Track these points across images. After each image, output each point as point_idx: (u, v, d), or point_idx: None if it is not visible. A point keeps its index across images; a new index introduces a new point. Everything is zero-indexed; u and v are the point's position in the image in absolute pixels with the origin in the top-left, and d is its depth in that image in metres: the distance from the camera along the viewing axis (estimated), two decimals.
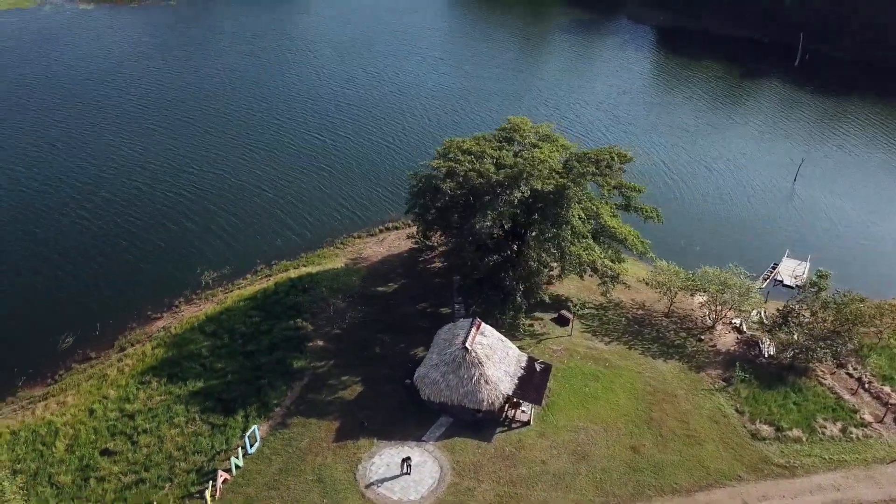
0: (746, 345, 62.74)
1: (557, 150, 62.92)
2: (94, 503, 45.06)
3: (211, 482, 45.53)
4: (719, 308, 63.56)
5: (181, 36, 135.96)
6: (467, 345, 50.83)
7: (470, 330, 52.05)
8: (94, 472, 47.11)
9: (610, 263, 60.31)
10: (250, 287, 68.16)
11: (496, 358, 51.96)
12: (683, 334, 63.36)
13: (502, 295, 57.71)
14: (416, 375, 52.80)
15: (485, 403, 50.24)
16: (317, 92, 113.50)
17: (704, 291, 62.52)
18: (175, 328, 61.87)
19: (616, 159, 58.87)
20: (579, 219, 56.56)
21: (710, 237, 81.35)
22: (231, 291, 68.14)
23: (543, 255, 55.60)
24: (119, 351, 60.82)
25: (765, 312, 66.46)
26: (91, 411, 52.37)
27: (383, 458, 48.55)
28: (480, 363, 50.72)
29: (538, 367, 53.53)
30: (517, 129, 64.72)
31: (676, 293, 64.38)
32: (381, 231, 78.74)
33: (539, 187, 54.49)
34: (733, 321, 65.17)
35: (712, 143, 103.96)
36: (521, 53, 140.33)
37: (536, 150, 59.57)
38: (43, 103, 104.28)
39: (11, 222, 77.06)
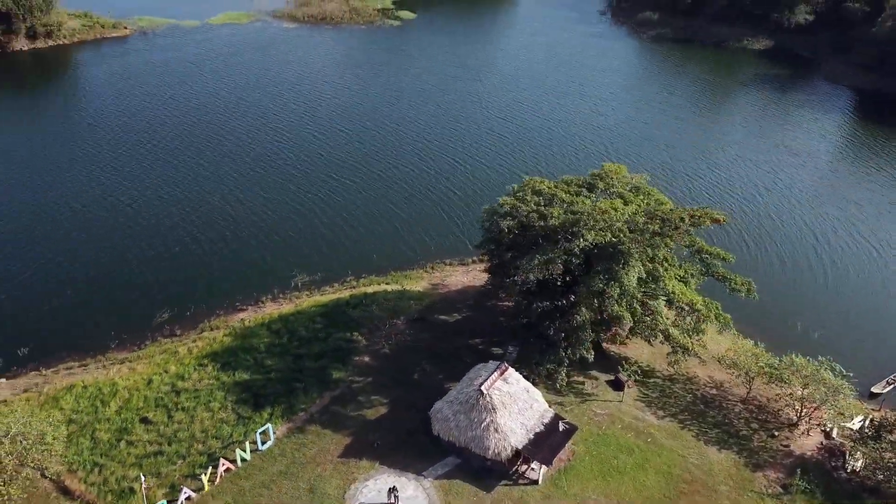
0: (829, 453, 54.53)
1: (642, 204, 59.33)
2: (117, 462, 49.69)
3: (211, 468, 48.36)
4: (807, 405, 55.86)
5: (371, 57, 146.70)
6: (483, 388, 49.40)
7: (492, 373, 50.53)
8: (127, 436, 52.00)
9: (676, 332, 55.46)
10: (330, 295, 71.38)
11: (515, 408, 49.90)
12: (755, 426, 56.45)
13: (545, 344, 55.30)
14: (432, 408, 52.20)
15: (490, 451, 48.44)
16: (471, 117, 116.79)
17: (785, 382, 55.28)
18: (249, 321, 66.47)
19: (686, 220, 54.01)
20: (639, 279, 52.70)
21: (838, 323, 71.84)
22: (312, 296, 71.76)
23: (586, 310, 52.41)
24: (199, 332, 66.33)
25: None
26: (149, 381, 57.78)
27: (377, 483, 48.53)
28: (493, 409, 49.01)
29: (561, 427, 50.60)
30: (604, 176, 61.93)
31: (753, 378, 57.55)
32: (472, 262, 78.72)
33: (592, 238, 51.69)
34: (825, 424, 56.88)
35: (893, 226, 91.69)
36: (690, 101, 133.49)
37: (609, 200, 56.56)
38: (236, 104, 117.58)
39: (178, 202, 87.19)
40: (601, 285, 51.14)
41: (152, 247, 78.96)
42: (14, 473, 46.19)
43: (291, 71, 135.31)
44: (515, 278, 55.22)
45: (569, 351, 53.83)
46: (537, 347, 55.62)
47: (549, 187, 59.67)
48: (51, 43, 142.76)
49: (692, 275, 57.77)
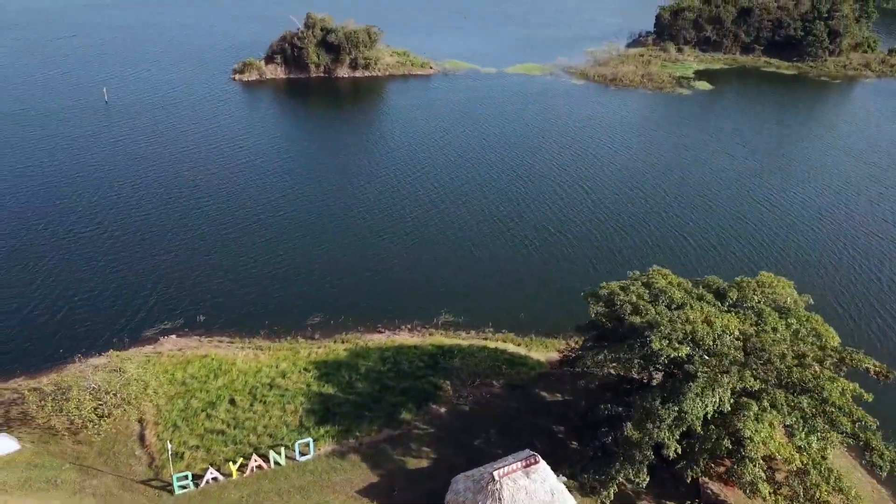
0: None
1: (782, 329, 49.34)
2: (189, 428, 56.44)
3: (242, 459, 52.34)
4: None
5: (650, 122, 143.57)
6: (496, 474, 45.72)
7: (515, 462, 46.52)
8: (211, 409, 58.70)
9: (764, 489, 44.96)
10: (456, 340, 71.73)
11: None
12: None
13: (600, 452, 48.90)
14: (453, 479, 49.71)
15: None
16: (726, 198, 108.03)
17: None
18: (371, 344, 70.01)
19: (826, 361, 43.03)
20: (705, 417, 43.85)
21: None
22: (446, 336, 72.79)
23: (633, 427, 44.99)
24: (330, 341, 71.68)
25: None
26: (259, 370, 64.38)
27: None
28: (500, 500, 45.07)
29: None
30: (745, 286, 52.76)
31: None
32: None
33: (658, 348, 44.44)
34: None
35: None
36: None
37: (710, 311, 48.04)
38: (508, 145, 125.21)
39: (412, 222, 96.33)
40: (657, 403, 43.72)
41: (352, 258, 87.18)
42: (112, 409, 55.47)
43: (570, 124, 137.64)
44: (580, 369, 49.88)
45: (622, 467, 46.94)
46: (591, 453, 49.47)
47: (666, 282, 52.78)
48: (367, 73, 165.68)
49: (814, 430, 45.88)
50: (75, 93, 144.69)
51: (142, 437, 55.67)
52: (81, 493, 50.31)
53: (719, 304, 52.16)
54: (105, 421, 55.07)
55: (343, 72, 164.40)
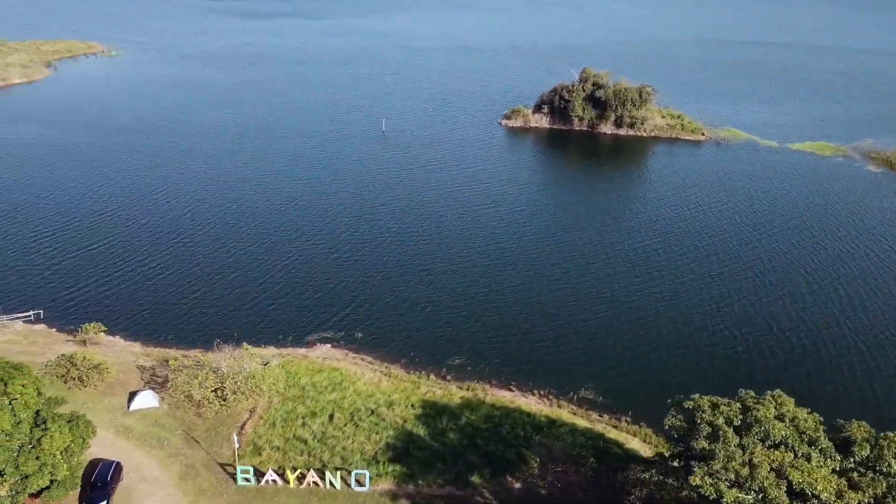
0: None
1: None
2: (279, 429, 60.86)
3: (304, 470, 54.94)
4: None
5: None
6: None
7: None
8: (308, 419, 62.54)
9: None
10: (578, 418, 66.75)
11: None
12: None
13: None
14: None
15: None
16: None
17: None
18: (489, 398, 68.37)
19: None
20: None
21: None
22: (571, 411, 68.22)
23: None
24: (454, 384, 71.52)
25: None
26: (371, 394, 66.88)
27: None
28: None
29: None
30: (886, 445, 41.01)
31: None
32: None
33: (698, 483, 36.23)
34: None
35: None
36: None
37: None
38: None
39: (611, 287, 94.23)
40: None
41: (536, 317, 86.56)
42: (228, 394, 62.40)
43: (855, 217, 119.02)
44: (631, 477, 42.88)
45: None
46: None
47: (773, 413, 43.18)
48: (631, 133, 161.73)
49: None
50: (359, 121, 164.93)
51: (243, 426, 61.60)
52: (175, 458, 57.44)
53: (838, 458, 41.13)
54: (220, 403, 62.05)
55: (607, 128, 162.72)
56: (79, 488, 52.66)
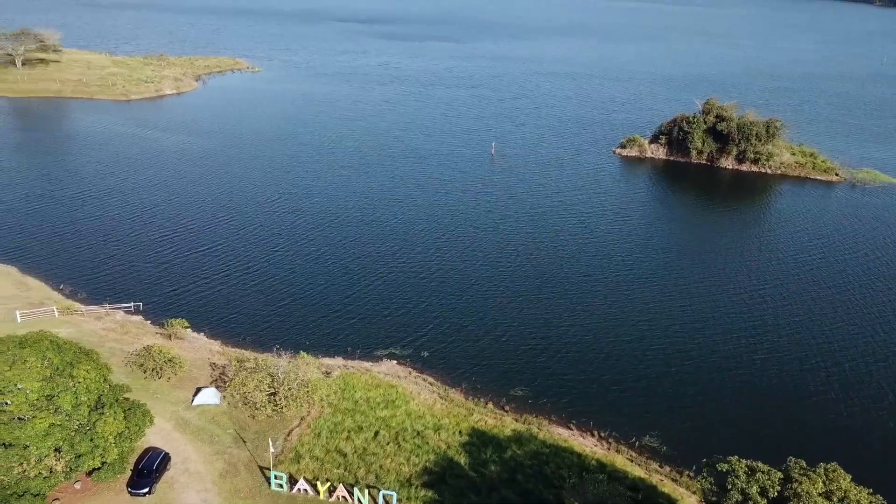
0: None
1: None
2: (322, 440, 61.83)
3: (335, 483, 55.37)
4: None
5: None
6: None
7: None
8: (353, 434, 63.23)
9: None
10: (633, 468, 63.04)
11: None
12: None
13: None
14: None
15: None
16: None
17: None
18: (542, 434, 66.14)
19: None
20: None
21: None
22: (627, 458, 64.69)
23: None
24: (509, 416, 69.78)
25: None
26: (422, 416, 66.65)
27: None
28: None
29: None
30: None
31: None
32: None
33: None
34: None
35: None
36: None
37: None
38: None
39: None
40: None
41: (613, 355, 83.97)
42: (279, 400, 64.31)
43: None
44: None
45: None
46: None
47: (820, 489, 38.49)
48: (755, 169, 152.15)
49: None
50: (471, 143, 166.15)
51: (290, 432, 63.19)
52: (220, 455, 59.83)
53: None
54: (272, 407, 64.06)
55: (728, 162, 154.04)
56: (128, 473, 55.99)
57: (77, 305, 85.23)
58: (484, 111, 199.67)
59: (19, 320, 78.36)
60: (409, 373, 76.92)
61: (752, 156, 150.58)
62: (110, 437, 53.57)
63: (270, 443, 58.39)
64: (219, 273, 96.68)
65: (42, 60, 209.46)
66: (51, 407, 51.55)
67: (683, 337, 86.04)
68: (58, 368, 52.95)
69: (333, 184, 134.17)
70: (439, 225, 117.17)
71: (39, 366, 52.03)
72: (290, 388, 64.66)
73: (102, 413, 53.61)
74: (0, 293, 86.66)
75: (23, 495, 50.60)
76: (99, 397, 54.88)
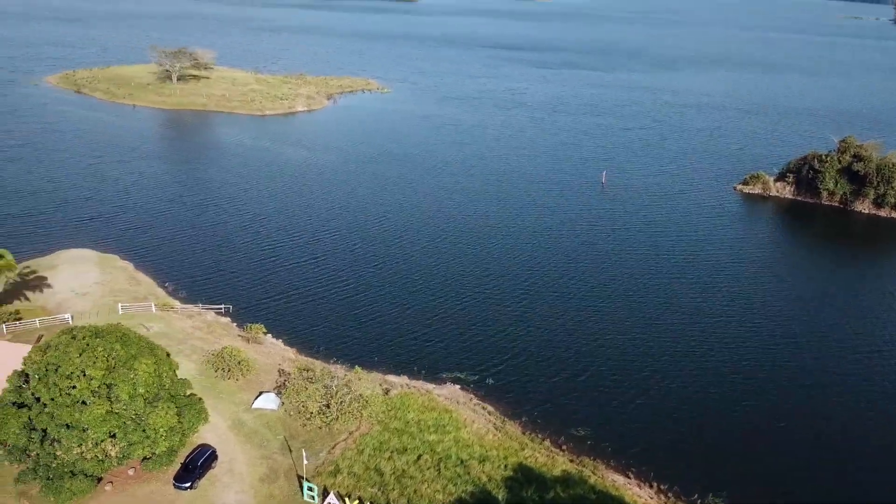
0: None
1: None
2: (362, 459, 62.08)
3: (359, 501, 55.33)
4: None
5: None
6: None
7: None
8: (396, 455, 62.97)
9: None
10: None
11: None
12: None
13: None
14: None
15: None
16: None
17: None
18: (593, 480, 62.95)
19: None
20: None
21: None
22: None
23: None
24: (564, 456, 66.99)
25: None
26: (470, 445, 65.38)
27: None
28: None
29: None
30: None
31: None
32: None
33: None
34: None
35: None
36: None
37: None
38: None
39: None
40: None
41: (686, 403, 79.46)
42: (329, 412, 65.43)
43: None
44: None
45: None
46: None
47: None
48: (894, 214, 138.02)
49: None
50: (584, 171, 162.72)
51: (335, 445, 64.01)
52: (265, 460, 61.67)
53: None
54: (322, 419, 65.27)
55: (863, 206, 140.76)
56: (178, 465, 58.91)
57: (174, 303, 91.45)
58: (603, 140, 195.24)
59: (120, 312, 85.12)
60: (470, 399, 75.90)
61: (893, 200, 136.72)
62: (161, 429, 56.62)
63: (304, 454, 59.42)
64: (311, 284, 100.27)
65: (194, 77, 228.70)
66: (111, 395, 55.36)
67: (778, 396, 79.04)
68: (121, 360, 56.79)
69: (436, 206, 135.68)
70: (536, 252, 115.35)
71: (105, 356, 56.07)
72: (341, 402, 65.63)
73: (156, 406, 56.82)
74: (113, 286, 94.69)
75: (76, 475, 54.51)
76: (157, 391, 58.23)
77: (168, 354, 62.56)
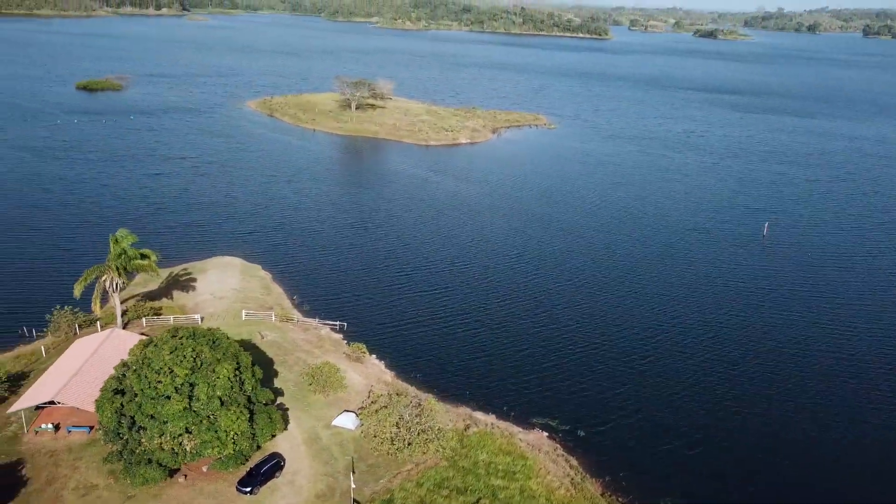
0: None
1: None
2: (419, 492, 61.03)
3: None
4: None
5: None
6: None
7: None
8: (455, 494, 61.53)
9: None
10: None
11: None
12: None
13: None
14: None
15: None
16: None
17: None
18: None
19: None
20: None
21: None
22: None
23: None
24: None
25: None
26: (535, 498, 62.16)
27: None
28: None
29: None
30: None
31: None
32: None
33: None
34: None
35: None
36: None
37: None
38: None
39: None
40: None
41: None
42: (400, 442, 65.38)
43: None
44: None
45: None
46: None
47: None
48: None
49: None
50: (746, 221, 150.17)
51: (398, 474, 63.64)
52: (327, 477, 62.83)
53: None
54: (389, 446, 65.33)
55: None
56: (246, 468, 61.74)
57: (295, 315, 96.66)
58: (778, 190, 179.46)
59: (243, 318, 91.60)
60: (555, 448, 72.34)
61: None
62: (231, 432, 59.78)
63: (352, 477, 59.66)
64: (428, 312, 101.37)
65: (371, 106, 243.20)
66: (191, 393, 59.53)
67: None
68: (206, 362, 60.95)
69: (579, 248, 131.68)
70: (674, 306, 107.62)
71: (192, 356, 60.51)
72: (413, 431, 65.35)
73: (229, 409, 60.15)
74: (248, 293, 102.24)
75: (149, 463, 58.96)
76: (234, 395, 61.67)
77: (253, 363, 66.17)
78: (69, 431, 66.45)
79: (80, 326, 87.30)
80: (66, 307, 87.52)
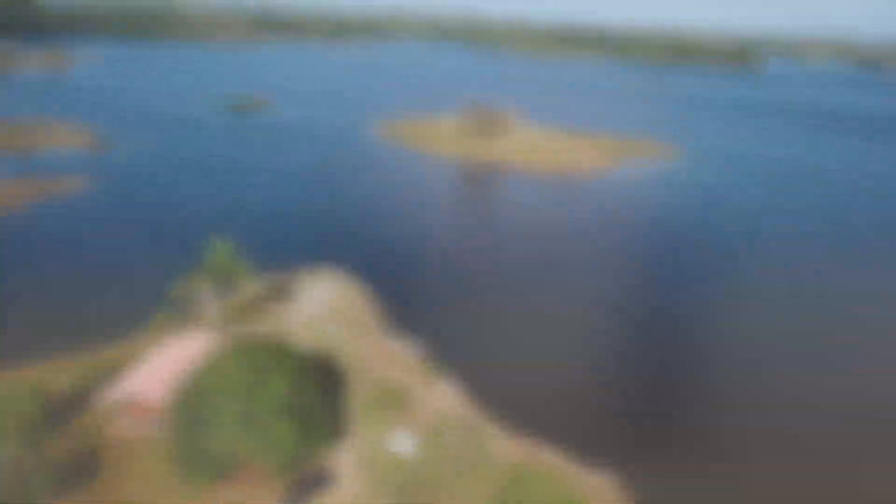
0: None
1: None
2: None
3: None
4: None
5: None
6: None
7: None
8: None
9: None
10: None
11: None
12: None
13: None
14: None
15: None
16: None
17: None
18: None
19: None
20: None
21: None
22: None
23: None
24: None
25: None
26: None
27: None
28: None
29: None
30: None
31: None
32: None
33: None
34: None
35: None
36: None
37: None
38: None
39: None
40: None
41: None
42: (445, 465, 64.30)
43: None
44: None
45: None
46: None
47: None
48: None
49: None
50: None
51: None
52: (366, 499, 62.61)
53: None
54: (432, 469, 64.34)
55: None
56: (294, 478, 63.00)
57: (379, 332, 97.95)
58: None
59: (328, 331, 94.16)
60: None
61: None
62: (279, 443, 61.32)
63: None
64: (512, 338, 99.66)
65: (497, 132, 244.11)
66: (248, 400, 61.81)
67: None
68: (268, 371, 63.07)
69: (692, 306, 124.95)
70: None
71: (255, 366, 62.88)
72: (459, 462, 64.08)
73: (281, 420, 61.81)
74: (340, 307, 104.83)
75: (205, 463, 61.58)
76: (288, 407, 63.25)
77: (322, 377, 67.60)
78: (146, 425, 70.88)
79: (174, 327, 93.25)
80: (163, 308, 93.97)
